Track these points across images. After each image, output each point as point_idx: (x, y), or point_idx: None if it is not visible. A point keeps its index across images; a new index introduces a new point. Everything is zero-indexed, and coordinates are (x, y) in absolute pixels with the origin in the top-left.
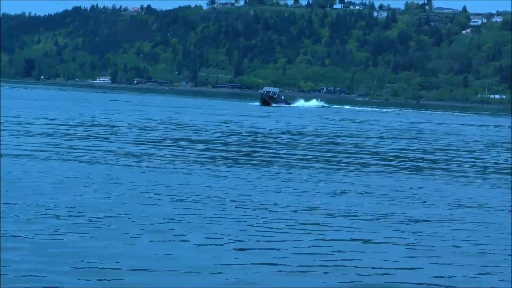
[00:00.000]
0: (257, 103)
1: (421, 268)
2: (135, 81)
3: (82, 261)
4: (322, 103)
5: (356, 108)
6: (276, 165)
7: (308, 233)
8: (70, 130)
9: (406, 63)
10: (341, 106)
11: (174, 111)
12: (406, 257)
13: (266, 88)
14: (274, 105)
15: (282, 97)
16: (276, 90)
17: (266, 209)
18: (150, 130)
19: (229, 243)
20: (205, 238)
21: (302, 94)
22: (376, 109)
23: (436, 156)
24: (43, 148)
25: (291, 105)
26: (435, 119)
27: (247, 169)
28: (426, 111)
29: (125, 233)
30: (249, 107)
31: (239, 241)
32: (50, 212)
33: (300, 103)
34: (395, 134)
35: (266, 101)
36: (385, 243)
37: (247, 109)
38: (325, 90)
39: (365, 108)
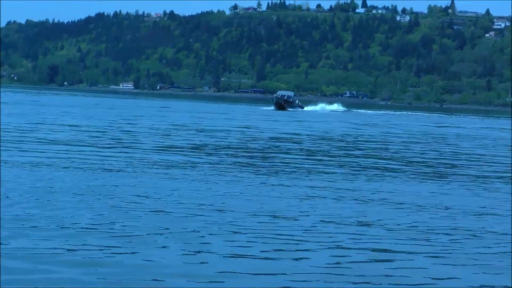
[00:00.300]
0: (272, 108)
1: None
2: (158, 87)
3: (109, 271)
4: (344, 108)
5: (379, 112)
6: (299, 171)
7: (333, 241)
8: (95, 137)
9: (429, 67)
10: (360, 110)
11: (200, 116)
12: (442, 264)
13: (280, 92)
14: (290, 109)
15: (297, 101)
16: (291, 94)
17: (292, 217)
18: (175, 135)
19: (254, 252)
20: (231, 247)
21: (324, 99)
22: (398, 113)
23: (458, 161)
24: (69, 156)
25: (304, 109)
26: (457, 122)
27: (271, 176)
28: (444, 114)
29: (154, 241)
30: (266, 111)
31: (264, 251)
32: (75, 220)
33: (321, 106)
34: (418, 139)
35: (282, 105)
36: (417, 253)
37: (268, 114)
38: (347, 95)
39: (389, 112)
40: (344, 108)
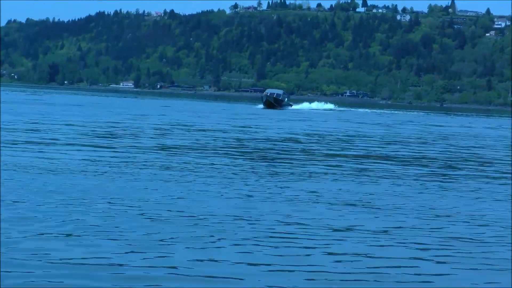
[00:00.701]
0: (261, 106)
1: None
2: (158, 86)
3: (111, 276)
4: (335, 106)
5: (375, 110)
6: (302, 174)
7: (343, 247)
8: (97, 137)
9: (430, 66)
10: (353, 109)
11: (189, 116)
12: (443, 266)
13: (269, 90)
14: (280, 108)
15: (286, 99)
16: (280, 92)
17: (300, 223)
18: (168, 135)
19: (261, 257)
20: (240, 252)
21: (325, 98)
22: (395, 112)
23: (459, 162)
24: (73, 160)
25: (293, 108)
26: (456, 122)
27: (275, 180)
28: (438, 114)
29: (160, 240)
30: (256, 110)
31: (277, 255)
32: (82, 224)
33: (305, 105)
34: (414, 139)
35: (271, 103)
36: (419, 255)
37: (257, 113)
38: (348, 94)
39: (386, 111)
40: (335, 106)
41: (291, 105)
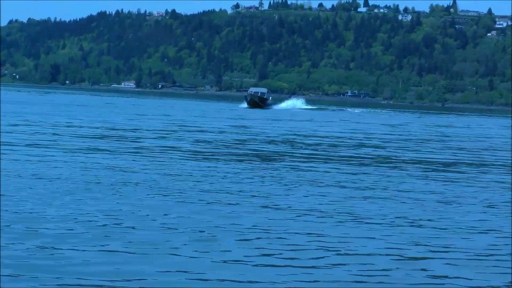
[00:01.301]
0: (244, 105)
1: None
2: (160, 86)
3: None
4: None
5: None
6: (298, 177)
7: (349, 249)
8: (98, 139)
9: (431, 66)
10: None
11: (179, 116)
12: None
13: (253, 89)
14: (264, 107)
15: (270, 97)
16: (264, 90)
17: (297, 233)
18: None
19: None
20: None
21: (326, 98)
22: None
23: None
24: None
25: (278, 107)
26: (456, 122)
27: (281, 188)
28: (432, 113)
29: (168, 242)
30: (242, 110)
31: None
32: (90, 228)
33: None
34: (410, 140)
35: (256, 102)
36: (419, 254)
37: (243, 113)
38: (349, 94)
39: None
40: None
41: (276, 104)
